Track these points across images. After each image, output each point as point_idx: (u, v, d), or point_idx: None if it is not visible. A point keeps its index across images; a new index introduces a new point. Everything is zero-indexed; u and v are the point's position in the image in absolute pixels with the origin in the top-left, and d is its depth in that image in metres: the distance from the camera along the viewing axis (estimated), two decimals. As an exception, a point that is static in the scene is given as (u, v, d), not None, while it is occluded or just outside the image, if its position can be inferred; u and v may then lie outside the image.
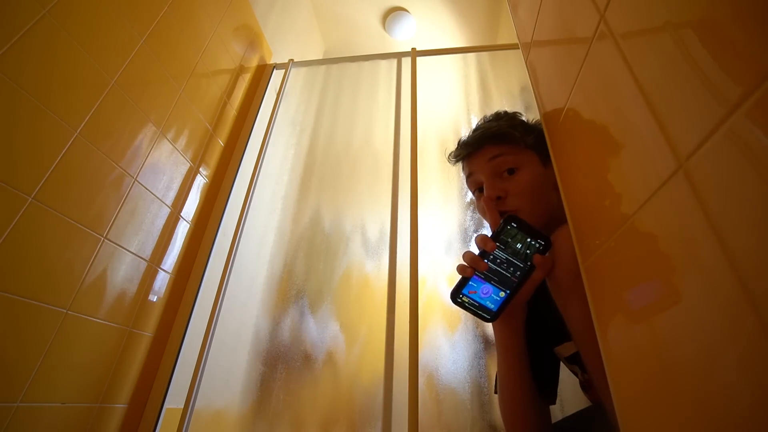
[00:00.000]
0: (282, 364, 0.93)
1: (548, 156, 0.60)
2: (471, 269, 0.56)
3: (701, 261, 0.25)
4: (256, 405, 0.90)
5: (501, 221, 0.56)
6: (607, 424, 0.44)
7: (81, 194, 0.71)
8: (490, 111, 1.24)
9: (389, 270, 0.96)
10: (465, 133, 0.73)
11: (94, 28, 0.73)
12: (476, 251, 0.56)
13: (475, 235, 1.04)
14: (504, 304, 0.56)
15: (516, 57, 1.26)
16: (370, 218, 1.10)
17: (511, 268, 0.55)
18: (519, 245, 0.55)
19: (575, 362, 0.61)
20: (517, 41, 0.77)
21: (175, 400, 0.90)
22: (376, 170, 1.16)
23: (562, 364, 0.67)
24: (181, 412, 0.86)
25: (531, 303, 0.59)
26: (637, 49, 0.33)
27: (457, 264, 0.57)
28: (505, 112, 0.73)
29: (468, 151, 0.68)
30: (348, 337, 0.95)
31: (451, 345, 0.92)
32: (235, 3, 1.22)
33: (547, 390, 0.65)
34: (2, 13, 0.58)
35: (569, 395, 0.80)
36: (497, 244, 0.55)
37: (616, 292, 0.38)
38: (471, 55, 1.37)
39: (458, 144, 0.72)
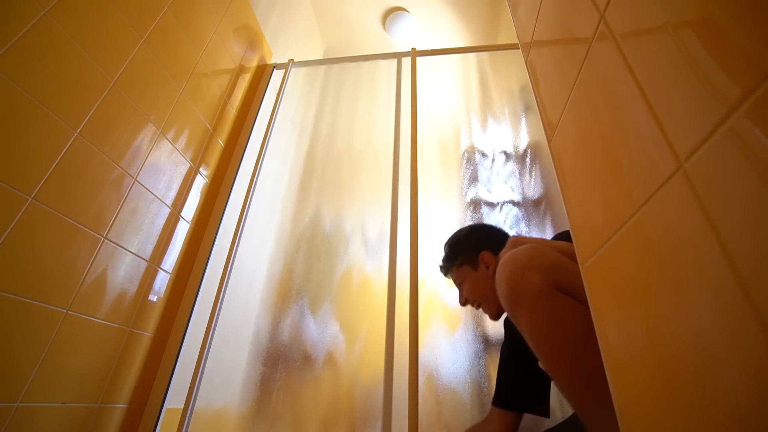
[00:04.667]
0: (282, 364, 0.93)
1: (473, 258, 0.84)
2: None
3: (701, 261, 0.25)
4: (256, 405, 0.90)
5: None
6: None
7: (81, 194, 0.71)
8: (490, 111, 1.25)
9: (389, 270, 0.96)
10: (465, 134, 0.73)
11: (94, 28, 0.73)
12: None
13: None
14: None
15: (516, 57, 1.26)
16: (370, 218, 1.10)
17: None
18: None
19: None
20: (517, 41, 0.77)
21: (175, 400, 0.90)
22: (376, 170, 1.15)
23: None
24: (181, 412, 0.86)
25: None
26: (637, 49, 0.33)
27: None
28: (448, 241, 0.93)
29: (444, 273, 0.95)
30: (348, 337, 0.95)
31: (451, 345, 0.92)
32: (235, 3, 1.22)
33: (541, 405, 0.67)
34: (2, 13, 0.58)
35: (569, 395, 0.80)
36: None
37: (615, 292, 0.38)
38: (471, 55, 1.37)
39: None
